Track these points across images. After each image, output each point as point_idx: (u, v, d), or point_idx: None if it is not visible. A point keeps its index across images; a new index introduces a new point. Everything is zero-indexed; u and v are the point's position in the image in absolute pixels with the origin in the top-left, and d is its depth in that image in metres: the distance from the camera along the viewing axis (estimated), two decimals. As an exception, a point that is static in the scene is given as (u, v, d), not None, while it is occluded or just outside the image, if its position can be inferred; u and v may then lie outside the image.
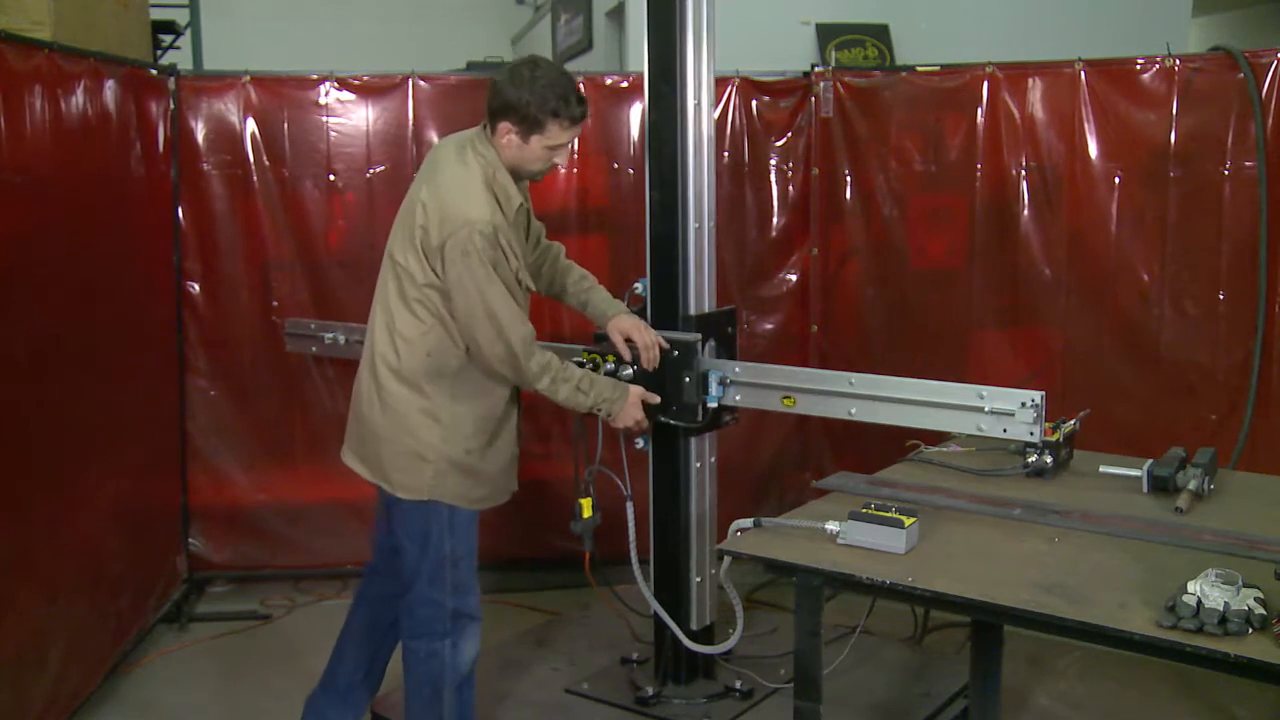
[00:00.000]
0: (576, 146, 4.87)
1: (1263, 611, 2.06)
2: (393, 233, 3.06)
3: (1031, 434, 2.78)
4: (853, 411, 3.05)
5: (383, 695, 3.53)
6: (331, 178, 4.83)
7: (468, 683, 3.15)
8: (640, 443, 3.45)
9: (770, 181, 5.02)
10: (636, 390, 3.15)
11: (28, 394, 3.41)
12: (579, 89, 2.99)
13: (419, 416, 2.98)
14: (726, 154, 4.91)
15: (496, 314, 2.89)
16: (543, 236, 3.42)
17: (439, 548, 3.04)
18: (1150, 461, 2.93)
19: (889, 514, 2.55)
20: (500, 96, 2.94)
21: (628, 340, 3.24)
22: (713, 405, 3.29)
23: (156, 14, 5.44)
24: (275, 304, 4.82)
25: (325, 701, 3.39)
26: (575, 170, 4.94)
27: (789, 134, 5.00)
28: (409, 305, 2.96)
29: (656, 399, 3.21)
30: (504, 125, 2.94)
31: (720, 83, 4.72)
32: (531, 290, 3.08)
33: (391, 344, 2.99)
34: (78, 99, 3.77)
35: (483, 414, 3.03)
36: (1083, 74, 4.44)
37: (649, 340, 3.23)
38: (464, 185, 2.92)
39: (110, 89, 4.04)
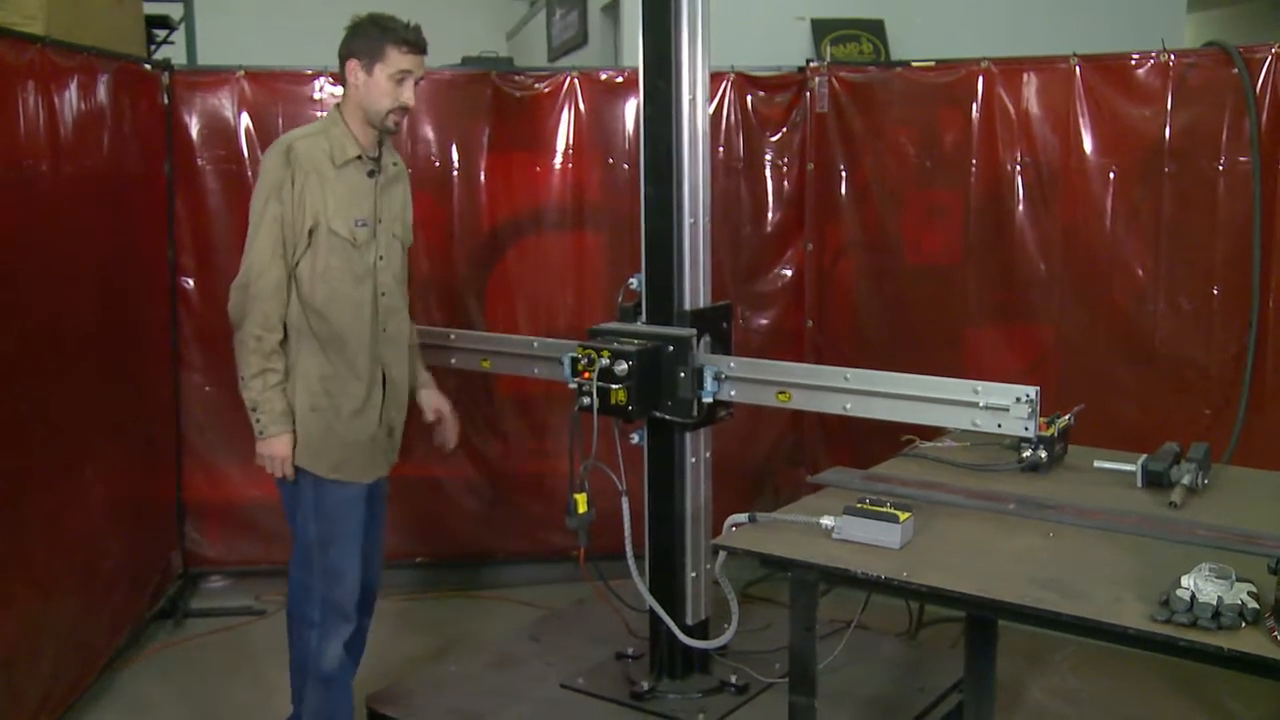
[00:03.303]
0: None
1: (1256, 605, 2.06)
2: None
3: (1026, 429, 2.78)
4: (848, 407, 3.05)
5: (381, 691, 3.53)
6: (326, 173, 4.82)
7: (338, 684, 3.20)
8: (635, 438, 3.45)
9: (765, 177, 5.03)
10: (288, 441, 3.09)
11: (22, 389, 3.40)
12: (413, 25, 3.15)
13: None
14: (721, 149, 4.91)
15: (257, 238, 3.02)
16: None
17: (305, 530, 3.15)
18: (1144, 456, 2.93)
19: (884, 509, 2.55)
20: (345, 41, 3.16)
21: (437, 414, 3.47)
22: (708, 400, 3.28)
23: (150, 8, 5.41)
24: (270, 300, 4.81)
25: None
26: (570, 165, 4.94)
27: (784, 129, 5.00)
28: None
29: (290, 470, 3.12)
30: (350, 65, 3.12)
31: (715, 78, 4.71)
32: (345, 239, 3.08)
33: None
34: (71, 94, 3.76)
35: (331, 373, 3.11)
36: (1078, 69, 4.45)
37: (452, 423, 3.49)
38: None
39: (104, 84, 4.03)
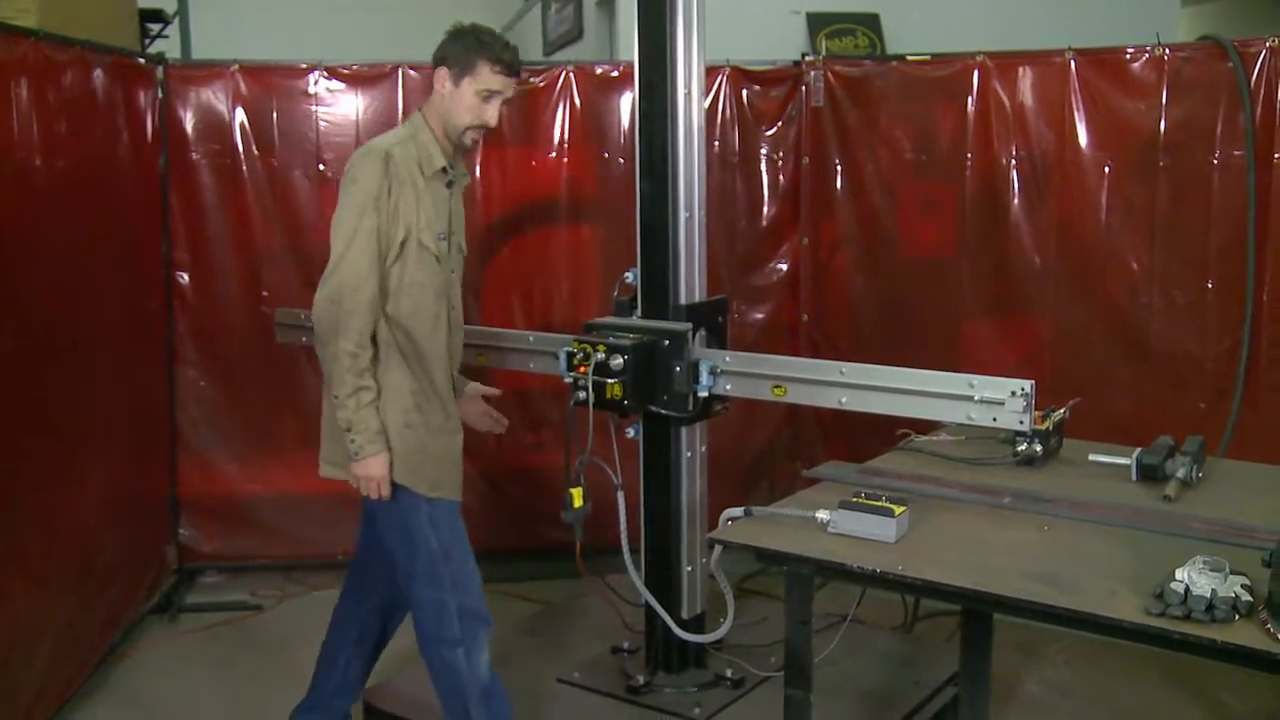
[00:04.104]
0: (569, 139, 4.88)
1: (1249, 598, 2.07)
2: None
3: (1021, 423, 2.78)
4: (843, 401, 3.05)
5: (377, 686, 3.53)
6: (321, 167, 4.82)
7: (497, 696, 3.06)
8: (631, 432, 3.45)
9: (761, 171, 5.03)
10: (385, 460, 2.94)
11: (15, 385, 3.40)
12: (511, 45, 3.07)
13: None
14: (717, 143, 4.91)
15: (352, 250, 2.85)
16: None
17: (426, 542, 3.00)
18: (1139, 450, 2.94)
19: (879, 503, 2.55)
20: (440, 48, 3.06)
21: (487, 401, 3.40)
22: (703, 394, 3.29)
23: (144, 2, 5.41)
24: (265, 294, 4.81)
25: (303, 707, 3.39)
26: (565, 160, 4.94)
27: (779, 123, 5.00)
28: None
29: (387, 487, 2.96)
30: (439, 73, 3.02)
31: (711, 72, 4.72)
32: (433, 252, 2.98)
33: None
34: (65, 88, 3.74)
35: (418, 389, 2.99)
36: (1073, 63, 4.45)
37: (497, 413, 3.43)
38: (383, 135, 3.06)
39: (97, 78, 4.02)
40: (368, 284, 2.87)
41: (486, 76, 2.99)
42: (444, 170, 3.03)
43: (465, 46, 3.00)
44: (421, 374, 3.01)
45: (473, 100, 2.99)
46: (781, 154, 5.01)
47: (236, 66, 4.74)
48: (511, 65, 3.02)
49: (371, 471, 2.92)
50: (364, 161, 2.91)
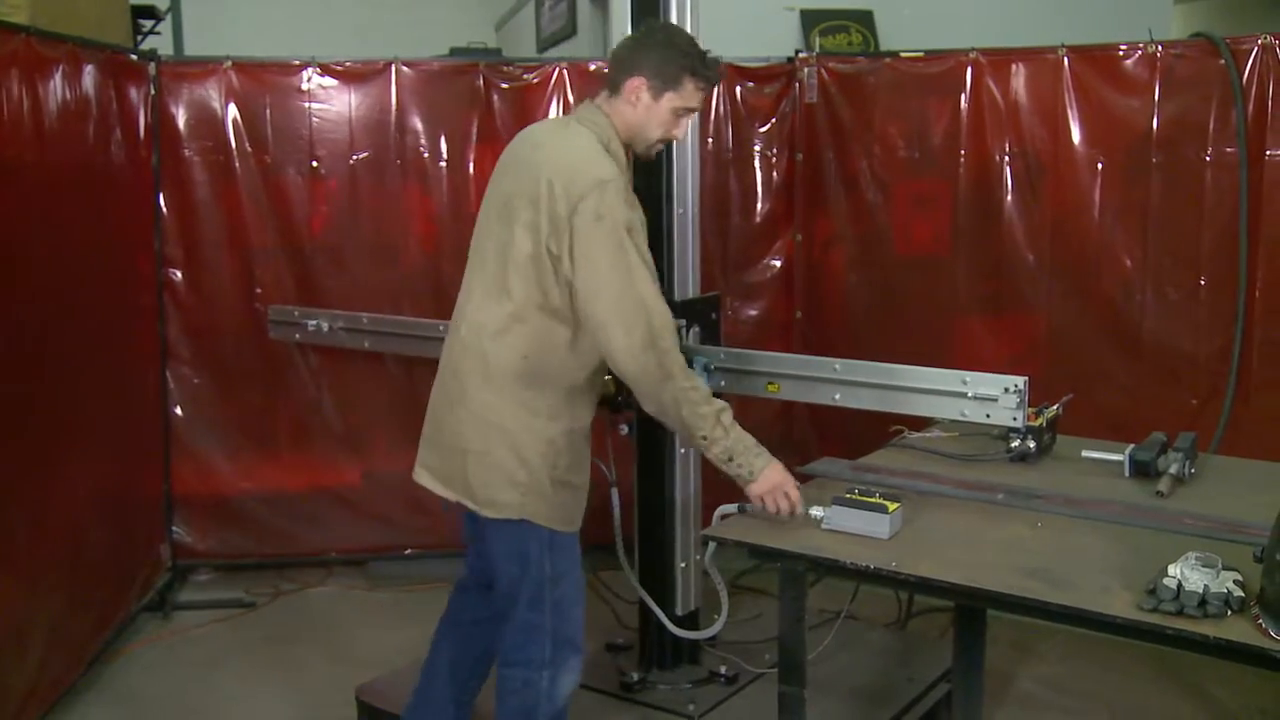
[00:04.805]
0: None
1: (1241, 594, 2.07)
2: (485, 221, 2.85)
3: (1014, 419, 2.79)
4: (837, 397, 3.06)
5: (370, 683, 3.53)
6: (314, 164, 4.80)
7: (562, 718, 2.91)
8: (625, 429, 3.45)
9: (754, 167, 5.02)
10: (779, 464, 2.69)
11: (7, 381, 3.39)
12: (710, 55, 2.87)
13: (512, 426, 2.70)
14: (710, 140, 4.91)
15: (637, 288, 2.60)
16: None
17: (540, 567, 2.76)
18: (1132, 446, 2.94)
19: (873, 499, 2.55)
20: (635, 52, 2.80)
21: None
22: (697, 391, 3.28)
23: (136, -2, 5.40)
24: (258, 291, 4.80)
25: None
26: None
27: (773, 120, 5.00)
28: (506, 299, 2.73)
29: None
30: (635, 82, 2.76)
31: (704, 68, 4.71)
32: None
33: (480, 343, 2.73)
34: (56, 84, 3.73)
35: (577, 428, 2.79)
36: (1066, 60, 4.45)
37: None
38: (584, 149, 2.73)
39: (90, 74, 4.00)
40: (668, 313, 2.65)
41: (691, 94, 2.76)
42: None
43: (666, 59, 2.74)
44: (588, 409, 2.81)
45: (669, 116, 2.77)
46: (775, 150, 5.01)
47: (229, 63, 4.73)
48: (714, 81, 2.82)
49: (774, 481, 2.65)
50: (605, 194, 2.60)
